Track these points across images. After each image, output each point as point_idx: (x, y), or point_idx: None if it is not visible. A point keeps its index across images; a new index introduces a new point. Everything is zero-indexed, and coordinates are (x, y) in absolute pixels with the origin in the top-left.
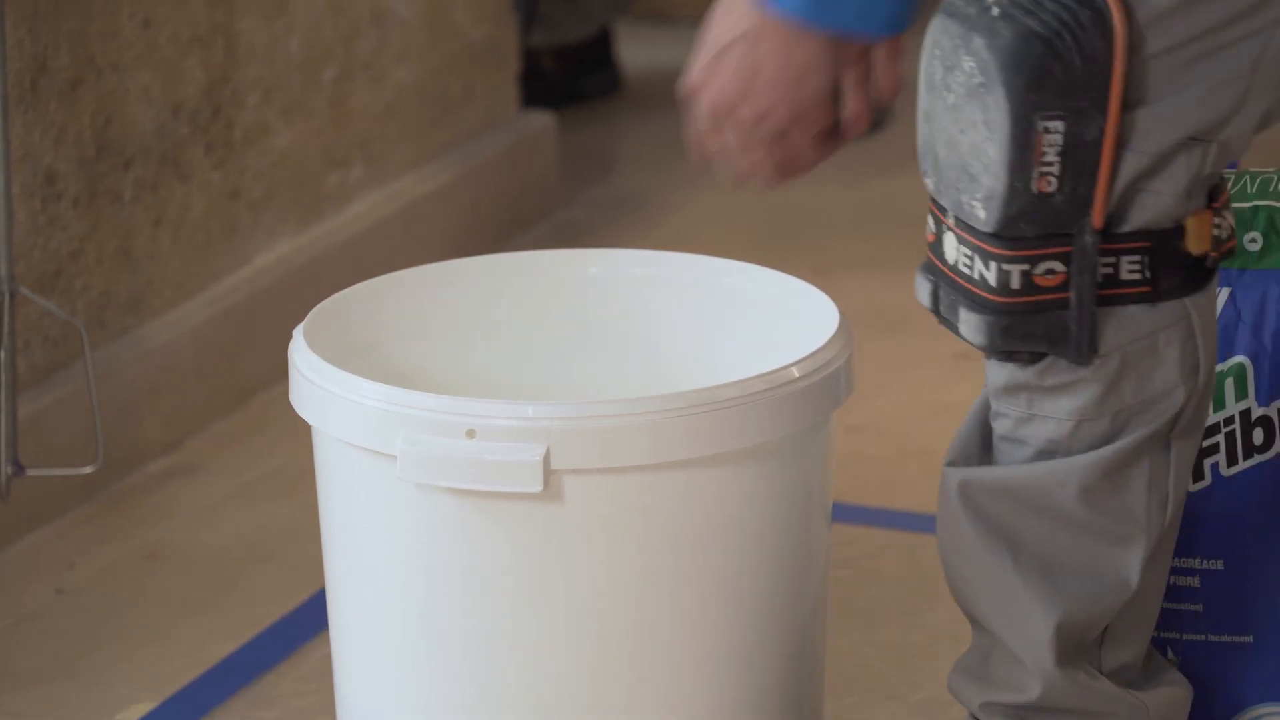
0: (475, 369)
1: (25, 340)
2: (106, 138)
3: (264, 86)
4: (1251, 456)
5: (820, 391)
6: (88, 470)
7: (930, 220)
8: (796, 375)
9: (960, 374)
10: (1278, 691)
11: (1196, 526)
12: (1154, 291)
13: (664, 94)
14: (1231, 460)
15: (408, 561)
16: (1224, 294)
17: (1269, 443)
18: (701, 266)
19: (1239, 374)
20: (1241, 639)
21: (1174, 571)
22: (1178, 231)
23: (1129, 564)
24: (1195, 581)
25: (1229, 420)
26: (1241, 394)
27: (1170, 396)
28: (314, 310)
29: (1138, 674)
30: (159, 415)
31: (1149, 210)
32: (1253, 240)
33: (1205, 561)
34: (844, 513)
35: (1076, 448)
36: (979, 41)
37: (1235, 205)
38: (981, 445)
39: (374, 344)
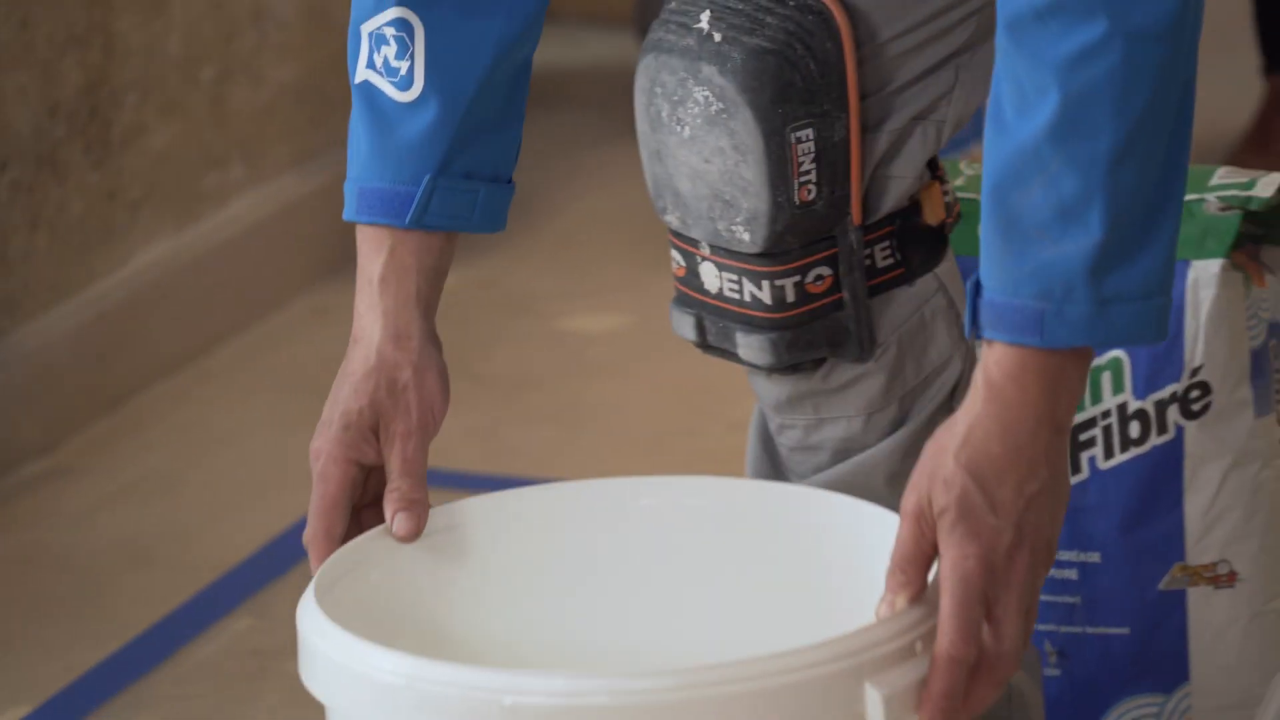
0: (520, 624)
1: None
2: None
3: (142, 86)
4: (1128, 450)
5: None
6: None
7: (677, 254)
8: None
9: None
10: (1155, 683)
11: (1074, 519)
12: (908, 271)
13: (545, 92)
14: (1108, 453)
15: None
16: None
17: (1145, 436)
18: (782, 498)
19: (1115, 368)
20: (1119, 631)
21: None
22: (914, 208)
23: None
24: (1073, 574)
25: (1105, 414)
26: (1118, 388)
27: (949, 367)
28: (328, 563)
29: None
30: (35, 418)
31: (893, 195)
32: None
33: (1082, 554)
34: None
35: (871, 440)
36: (709, 70)
37: None
38: (771, 464)
39: (397, 604)
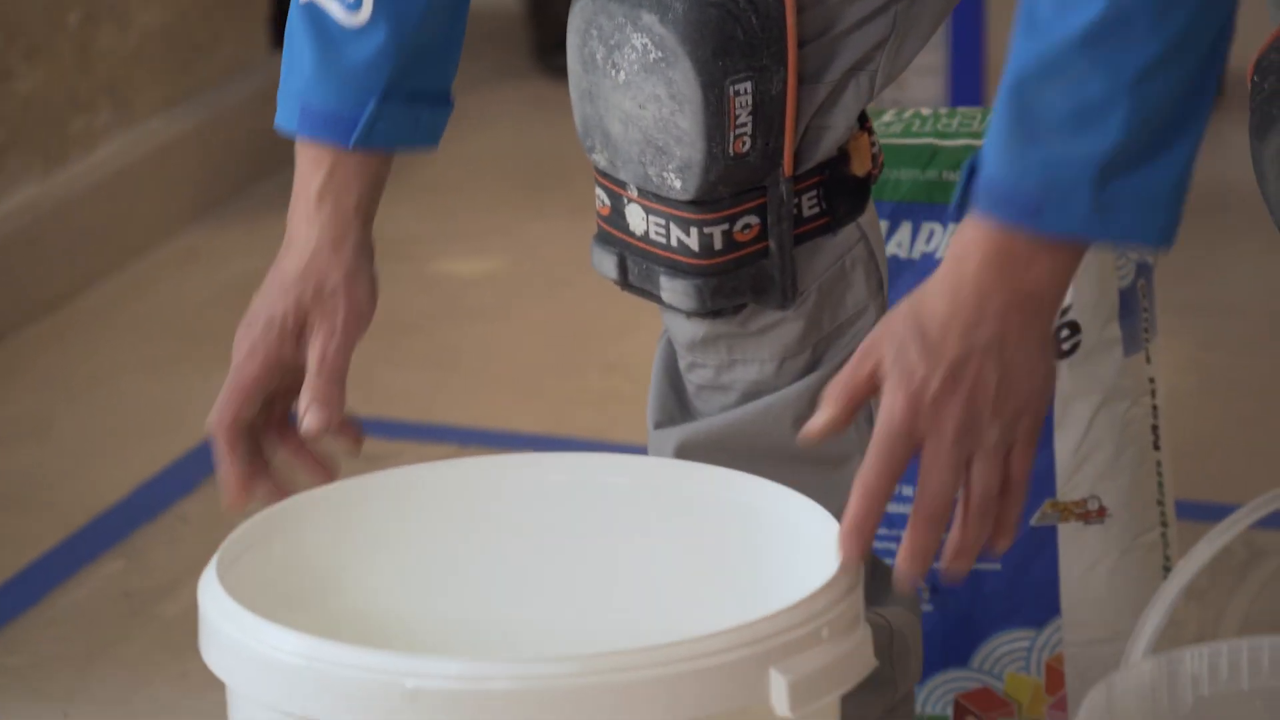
0: (433, 603)
1: None
2: None
3: (6, 30)
4: None
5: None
6: None
7: (602, 193)
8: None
9: None
10: (1027, 618)
11: None
12: (833, 220)
13: None
14: None
15: None
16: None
17: None
18: (686, 476)
19: None
20: (990, 567)
21: None
22: (842, 158)
23: (848, 480)
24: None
25: None
26: None
27: (863, 316)
28: (232, 536)
29: (870, 587)
30: None
31: (825, 145)
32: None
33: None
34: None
35: (782, 383)
36: (649, 18)
37: (942, 143)
38: (677, 400)
39: (302, 582)
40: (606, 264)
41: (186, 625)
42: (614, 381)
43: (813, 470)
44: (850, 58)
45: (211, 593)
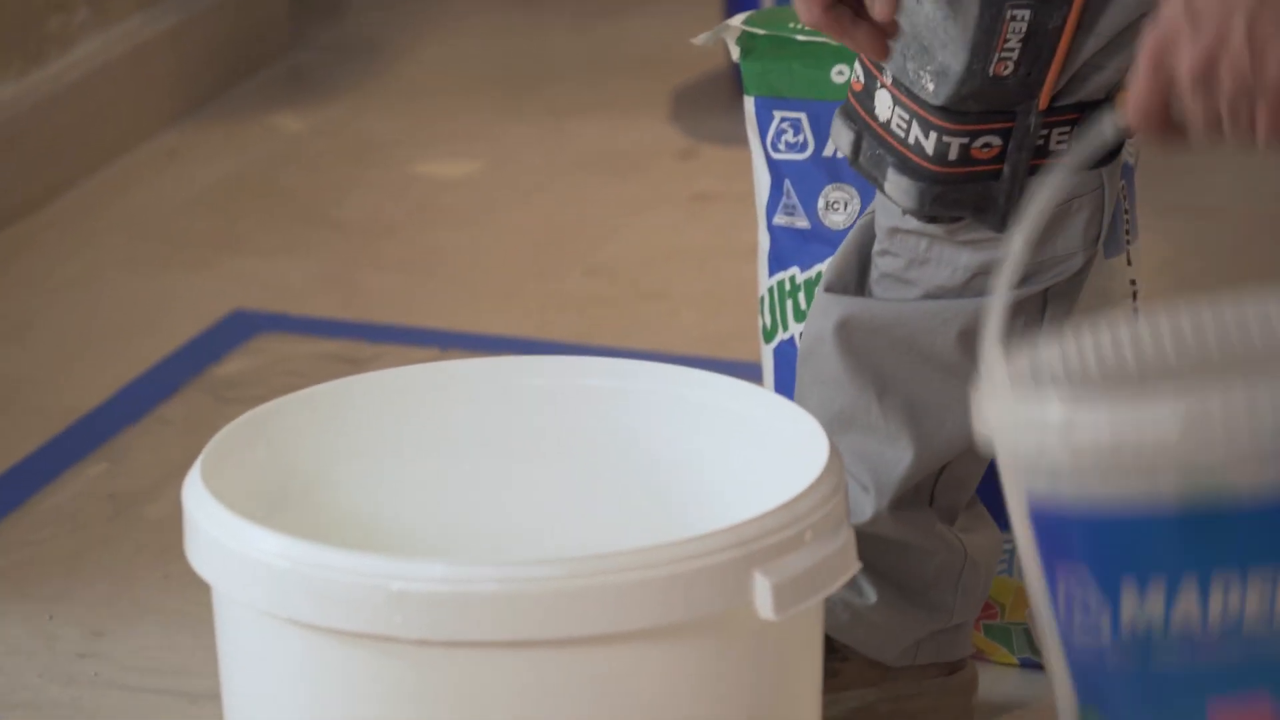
0: (413, 507)
1: None
2: None
3: None
4: None
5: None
6: None
7: (859, 69)
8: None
9: (695, 216)
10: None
11: None
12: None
13: None
14: None
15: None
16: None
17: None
18: (669, 379)
19: None
20: None
21: None
22: (1106, 104)
23: None
24: None
25: None
26: None
27: (1069, 261)
28: (216, 438)
29: (960, 515)
30: None
31: (1091, 84)
32: (839, 72)
33: None
34: (582, 354)
35: (964, 295)
36: None
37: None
38: (858, 273)
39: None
40: (843, 139)
41: (170, 527)
42: (595, 285)
43: (963, 386)
44: (1136, 10)
45: (196, 495)
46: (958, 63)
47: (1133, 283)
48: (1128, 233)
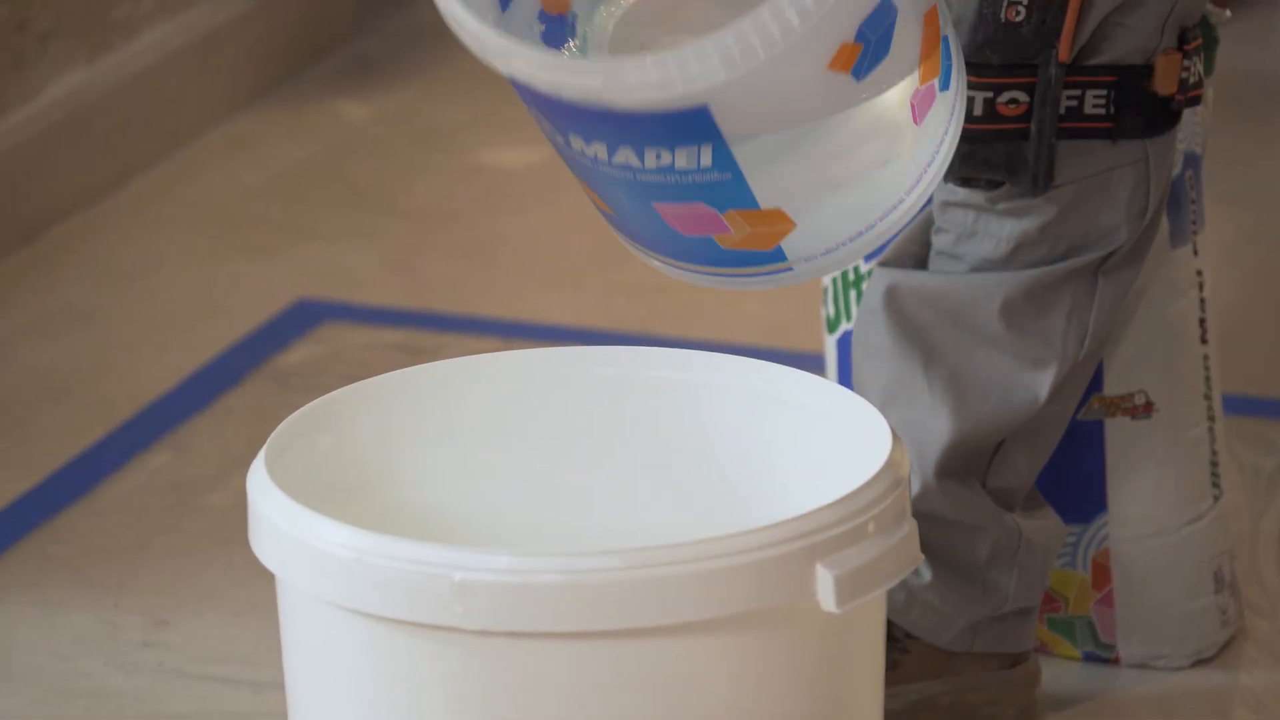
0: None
1: None
2: None
3: None
4: None
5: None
6: None
7: None
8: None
9: None
10: (1073, 514)
11: None
12: (1116, 128)
13: None
14: None
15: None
16: None
17: None
18: (732, 370)
19: None
20: None
21: None
22: (1146, 70)
23: (1038, 388)
24: None
25: None
26: None
27: (1112, 234)
28: (280, 428)
29: (1018, 503)
30: None
31: (1120, 45)
32: None
33: None
34: (644, 344)
35: (1010, 269)
36: None
37: None
38: (918, 254)
39: (347, 477)
40: None
41: (234, 517)
42: (655, 275)
43: (1009, 362)
44: None
45: (260, 485)
46: (969, 9)
47: (1199, 273)
48: (1194, 222)
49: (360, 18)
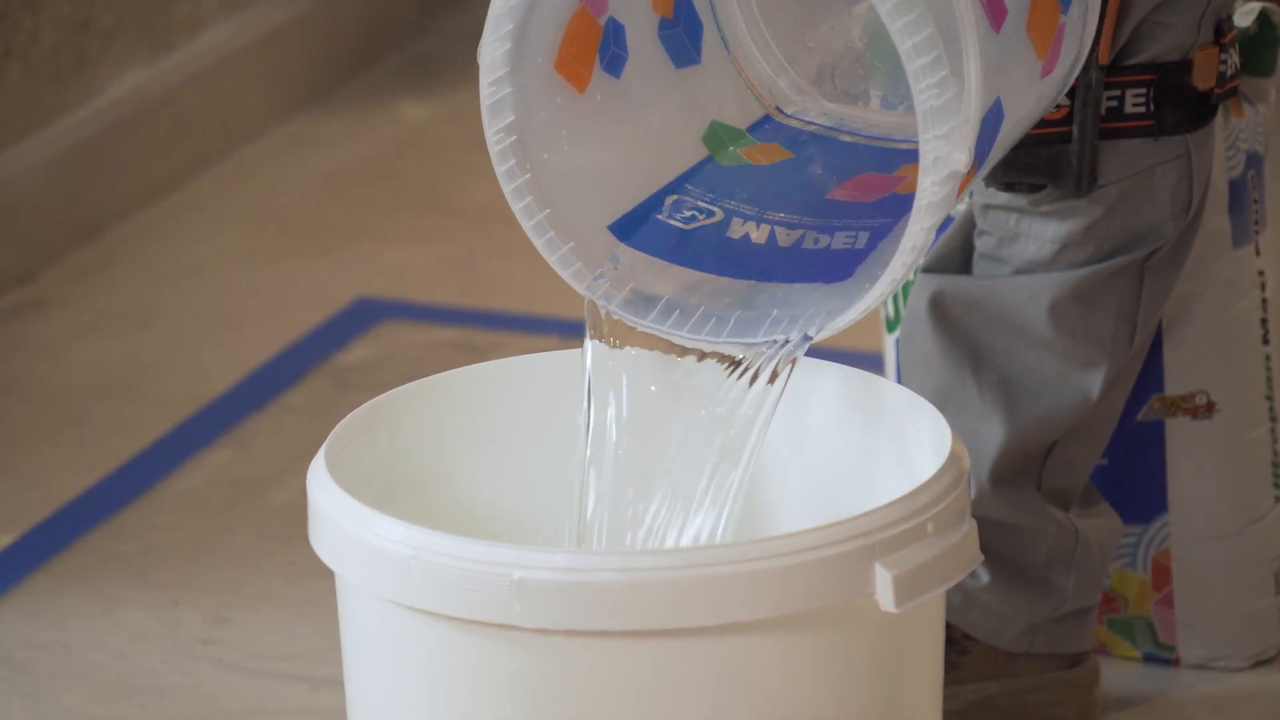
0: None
1: None
2: None
3: None
4: None
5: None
6: None
7: None
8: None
9: None
10: (1133, 514)
11: None
12: (1157, 125)
13: None
14: None
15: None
16: None
17: None
18: (794, 370)
19: None
20: (1098, 462)
21: None
22: (1185, 66)
23: (1089, 388)
24: None
25: None
26: None
27: (1157, 231)
28: (340, 426)
29: (1074, 501)
30: (9, 250)
31: (1159, 43)
32: None
33: None
34: None
35: (1055, 268)
36: None
37: None
38: (961, 257)
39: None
40: None
41: (293, 514)
42: None
43: (1058, 362)
44: None
45: (321, 482)
46: None
47: (1261, 273)
48: (1256, 223)
49: (419, 18)
